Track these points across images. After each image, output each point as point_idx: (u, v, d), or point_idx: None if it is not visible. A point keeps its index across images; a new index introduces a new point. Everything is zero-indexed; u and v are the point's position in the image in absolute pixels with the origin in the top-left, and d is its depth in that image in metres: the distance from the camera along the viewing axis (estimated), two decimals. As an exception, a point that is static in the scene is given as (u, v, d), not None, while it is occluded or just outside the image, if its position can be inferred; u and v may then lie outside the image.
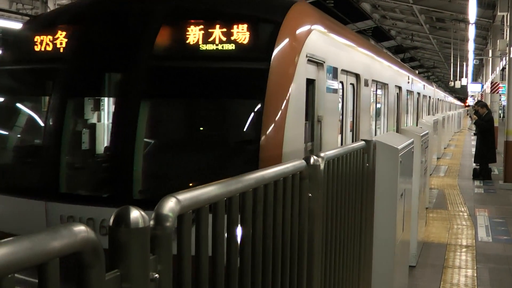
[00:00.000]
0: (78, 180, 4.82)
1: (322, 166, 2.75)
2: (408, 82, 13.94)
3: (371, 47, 9.87)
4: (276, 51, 4.56)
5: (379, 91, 9.91)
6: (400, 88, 12.19)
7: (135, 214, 1.31)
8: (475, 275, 6.31)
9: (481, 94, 36.88)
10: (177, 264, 1.56)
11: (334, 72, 6.01)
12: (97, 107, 5.24)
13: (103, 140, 5.14)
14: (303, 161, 2.62)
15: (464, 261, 6.86)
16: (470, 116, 32.40)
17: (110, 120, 5.08)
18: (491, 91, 24.90)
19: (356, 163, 3.57)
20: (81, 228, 1.15)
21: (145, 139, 4.60)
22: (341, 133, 6.76)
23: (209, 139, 4.86)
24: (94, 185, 4.79)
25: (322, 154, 2.84)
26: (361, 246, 3.81)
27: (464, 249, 7.43)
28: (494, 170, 14.82)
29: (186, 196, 1.58)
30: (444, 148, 21.57)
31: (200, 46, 4.61)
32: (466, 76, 42.04)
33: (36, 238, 1.07)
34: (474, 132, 16.59)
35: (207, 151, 4.72)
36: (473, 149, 16.15)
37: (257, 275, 2.11)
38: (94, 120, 5.21)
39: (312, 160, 2.67)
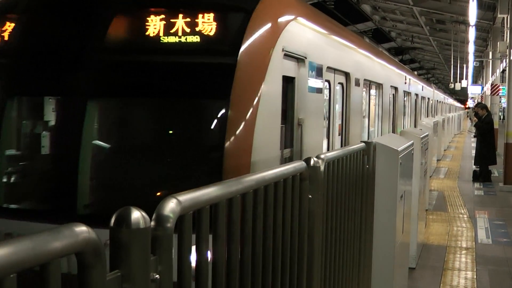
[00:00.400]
0: (16, 192, 4.29)
1: (322, 168, 2.76)
2: (405, 83, 13.43)
3: (364, 44, 9.25)
4: (245, 43, 4.02)
5: (372, 92, 9.34)
6: (396, 89, 11.70)
7: (136, 214, 1.31)
8: (475, 277, 6.31)
9: (481, 96, 36.91)
10: (177, 265, 1.57)
11: (318, 70, 5.41)
12: (40, 108, 4.55)
13: (46, 146, 4.42)
14: (303, 162, 2.63)
15: (464, 263, 6.86)
16: (470, 118, 32.44)
17: (54, 123, 4.43)
18: (491, 93, 24.91)
19: (356, 164, 3.58)
20: (82, 229, 1.16)
21: (92, 146, 4.08)
22: (328, 137, 6.24)
23: (165, 146, 4.26)
24: (35, 198, 4.24)
25: (322, 156, 2.84)
26: (361, 248, 3.81)
27: (464, 251, 7.43)
28: (494, 172, 14.82)
29: (186, 197, 1.59)
30: (444, 150, 21.58)
31: (161, 38, 4.07)
32: (466, 78, 42.07)
33: (37, 238, 1.07)
34: (474, 134, 16.61)
35: (162, 160, 4.16)
36: (473, 151, 16.16)
37: (257, 275, 2.11)
38: (36, 122, 4.54)
39: (312, 162, 2.68)
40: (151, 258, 1.39)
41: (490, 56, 27.48)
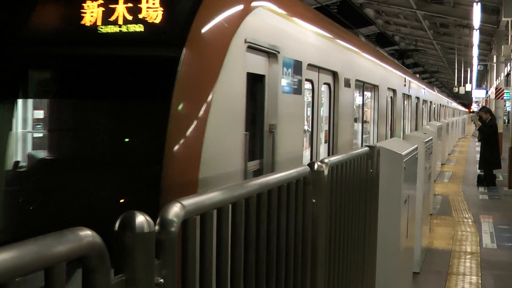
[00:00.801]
0: None
1: (326, 172, 2.76)
2: (405, 85, 12.67)
3: (356, 41, 8.34)
4: (194, 33, 3.35)
5: (366, 94, 8.57)
6: (394, 91, 10.96)
7: (140, 218, 1.32)
8: (480, 282, 6.28)
9: (486, 100, 36.83)
10: (181, 269, 1.57)
11: (296, 67, 4.65)
12: None
13: None
14: (307, 166, 2.63)
15: (468, 268, 6.83)
16: (474, 122, 32.36)
17: None
18: (495, 97, 24.86)
19: (360, 169, 3.57)
20: (87, 233, 1.16)
21: (4, 157, 3.41)
22: (311, 145, 5.53)
23: (92, 159, 3.52)
24: None
25: (326, 160, 2.85)
26: (365, 252, 3.80)
27: (468, 256, 7.40)
28: (498, 176, 14.77)
29: (190, 201, 1.59)
30: (449, 154, 21.54)
31: (98, 28, 3.44)
32: (471, 82, 42.00)
33: (42, 242, 1.08)
34: (478, 138, 16.57)
35: (87, 176, 3.42)
36: (478, 155, 16.12)
37: (261, 280, 2.11)
38: None
39: (316, 166, 2.68)
40: (155, 262, 1.39)
41: (495, 60, 27.43)
